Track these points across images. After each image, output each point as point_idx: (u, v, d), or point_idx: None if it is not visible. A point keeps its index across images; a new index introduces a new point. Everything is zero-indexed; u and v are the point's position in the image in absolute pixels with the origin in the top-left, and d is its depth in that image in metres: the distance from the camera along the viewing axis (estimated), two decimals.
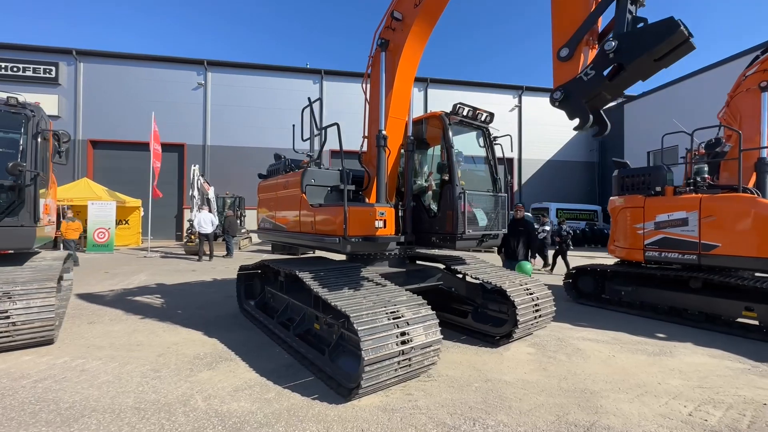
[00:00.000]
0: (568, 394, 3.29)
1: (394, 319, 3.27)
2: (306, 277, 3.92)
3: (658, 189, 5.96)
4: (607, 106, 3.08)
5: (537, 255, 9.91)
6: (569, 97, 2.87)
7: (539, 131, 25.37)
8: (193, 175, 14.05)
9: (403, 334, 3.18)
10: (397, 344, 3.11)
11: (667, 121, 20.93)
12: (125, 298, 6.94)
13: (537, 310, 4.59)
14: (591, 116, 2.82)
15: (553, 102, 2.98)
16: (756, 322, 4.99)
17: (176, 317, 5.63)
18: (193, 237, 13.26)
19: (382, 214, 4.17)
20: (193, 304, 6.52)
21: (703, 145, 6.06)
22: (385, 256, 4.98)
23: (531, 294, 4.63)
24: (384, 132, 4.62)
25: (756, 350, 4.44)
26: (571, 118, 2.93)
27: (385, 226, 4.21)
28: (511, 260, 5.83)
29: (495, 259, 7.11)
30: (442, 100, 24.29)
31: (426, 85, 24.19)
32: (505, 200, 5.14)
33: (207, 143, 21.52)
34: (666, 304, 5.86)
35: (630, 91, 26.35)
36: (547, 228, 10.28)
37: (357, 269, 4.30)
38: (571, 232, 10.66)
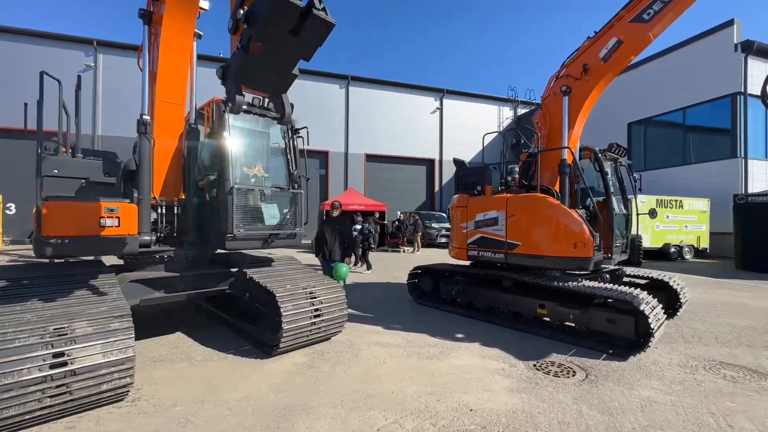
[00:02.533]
0: (273, 413, 2.93)
1: (58, 336, 2.70)
2: (6, 286, 3.21)
3: (479, 189, 6.00)
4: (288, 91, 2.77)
5: (353, 255, 10.19)
6: (225, 74, 2.51)
7: (460, 133, 26.11)
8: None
9: (59, 355, 2.62)
10: (40, 369, 2.53)
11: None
12: None
13: (317, 316, 4.26)
14: (239, 98, 2.47)
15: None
16: (548, 319, 5.11)
17: None
18: None
19: (112, 210, 3.55)
20: None
21: (508, 146, 6.22)
22: (155, 260, 4.37)
23: (313, 299, 4.29)
24: (146, 117, 4.02)
25: (533, 349, 4.48)
26: (228, 98, 2.57)
27: (119, 225, 3.61)
28: (328, 262, 5.51)
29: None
30: (363, 98, 24.12)
31: (347, 83, 23.79)
32: (300, 197, 4.78)
33: (97, 133, 19.23)
34: (485, 304, 5.89)
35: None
36: (358, 227, 10.45)
37: (88, 276, 3.63)
38: (372, 231, 11.28)
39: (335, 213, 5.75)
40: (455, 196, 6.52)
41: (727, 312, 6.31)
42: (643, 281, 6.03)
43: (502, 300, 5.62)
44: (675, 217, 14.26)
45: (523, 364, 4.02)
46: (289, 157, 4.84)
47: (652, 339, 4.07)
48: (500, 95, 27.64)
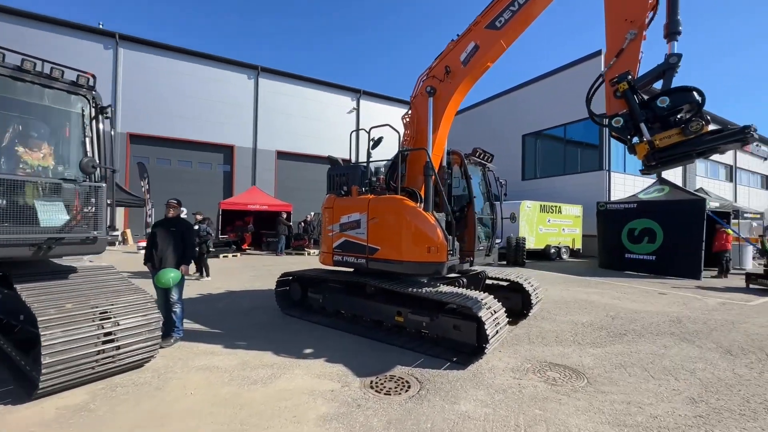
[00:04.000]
0: None
1: None
2: None
3: (345, 189, 5.64)
4: None
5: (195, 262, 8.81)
6: None
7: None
8: None
9: None
10: None
11: (474, 136, 24.00)
12: None
13: (110, 341, 3.40)
14: None
15: None
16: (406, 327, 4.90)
17: None
18: None
19: None
20: None
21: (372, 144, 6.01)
22: None
23: (104, 320, 3.42)
24: None
25: (381, 361, 4.17)
26: None
27: None
28: (158, 271, 4.61)
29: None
30: (275, 92, 22.78)
31: (257, 74, 22.22)
32: (102, 192, 3.83)
33: None
34: (351, 312, 5.53)
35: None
36: (195, 227, 9.07)
37: None
38: (211, 233, 9.97)
39: (171, 212, 4.85)
40: (326, 196, 6.08)
41: (576, 309, 6.87)
42: (505, 283, 6.23)
43: (365, 308, 5.31)
44: (555, 221, 15.87)
45: (359, 381, 3.66)
46: (87, 141, 3.85)
47: (487, 346, 4.03)
48: None
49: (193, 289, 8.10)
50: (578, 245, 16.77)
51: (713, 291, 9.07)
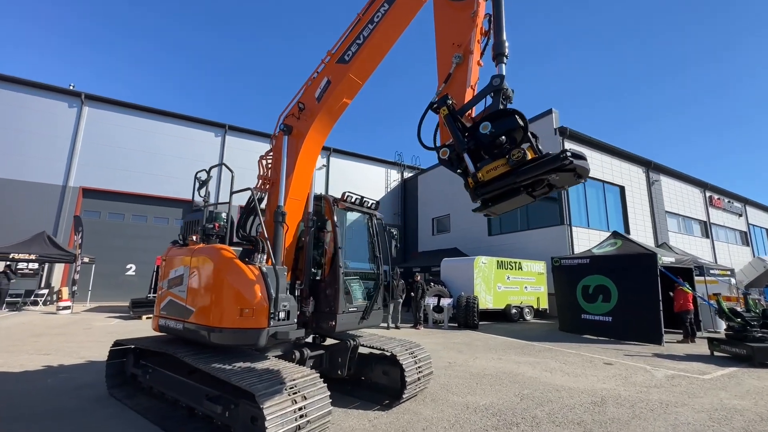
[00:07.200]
0: None
1: None
2: None
3: (181, 237, 4.83)
4: None
5: None
6: None
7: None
8: None
9: None
10: None
11: (450, 189, 23.82)
12: None
13: None
14: None
15: None
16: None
17: None
18: None
19: None
20: None
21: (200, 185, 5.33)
22: None
23: None
24: None
25: None
26: None
27: None
28: None
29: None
30: (240, 148, 22.97)
31: (224, 132, 22.57)
32: None
33: None
34: (174, 395, 4.35)
35: (424, 164, 29.97)
36: None
37: None
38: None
39: None
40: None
41: (486, 386, 5.64)
42: (388, 353, 5.11)
43: (181, 389, 4.16)
44: (515, 279, 14.80)
45: None
46: None
47: None
48: (389, 158, 28.90)
49: (50, 357, 6.83)
50: (544, 305, 15.50)
51: (670, 360, 7.84)
